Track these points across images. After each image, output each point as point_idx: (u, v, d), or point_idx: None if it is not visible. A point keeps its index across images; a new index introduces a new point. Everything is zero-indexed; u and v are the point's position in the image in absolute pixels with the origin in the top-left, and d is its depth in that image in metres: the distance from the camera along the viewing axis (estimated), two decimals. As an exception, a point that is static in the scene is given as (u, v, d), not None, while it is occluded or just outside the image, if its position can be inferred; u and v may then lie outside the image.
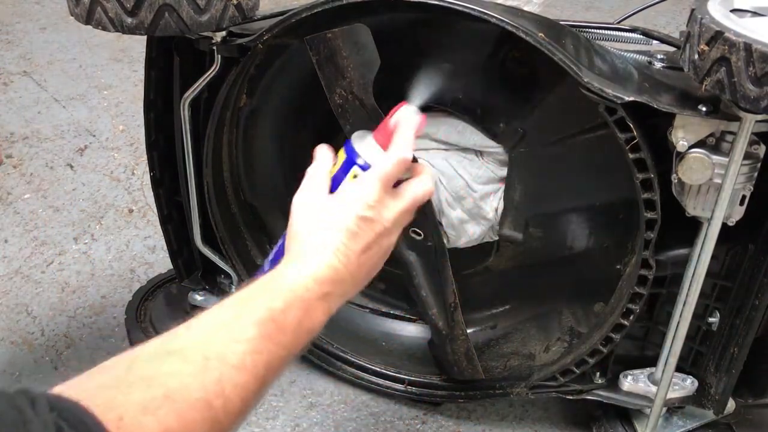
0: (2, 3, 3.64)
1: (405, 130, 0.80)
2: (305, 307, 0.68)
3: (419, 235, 1.30)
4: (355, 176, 0.80)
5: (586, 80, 1.06)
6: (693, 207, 1.14)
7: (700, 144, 1.08)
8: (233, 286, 1.57)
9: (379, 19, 1.16)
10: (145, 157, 1.50)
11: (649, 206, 1.13)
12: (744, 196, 1.11)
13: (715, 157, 1.07)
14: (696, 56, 0.99)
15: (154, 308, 1.69)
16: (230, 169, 1.48)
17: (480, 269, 1.56)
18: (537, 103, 1.31)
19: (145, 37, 1.28)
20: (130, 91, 2.81)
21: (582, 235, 1.43)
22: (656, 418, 1.34)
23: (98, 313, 1.76)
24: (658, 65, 1.22)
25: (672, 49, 1.28)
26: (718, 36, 0.94)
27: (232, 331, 0.62)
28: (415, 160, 0.84)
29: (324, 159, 0.83)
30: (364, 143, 0.82)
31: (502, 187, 1.39)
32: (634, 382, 1.35)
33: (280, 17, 1.18)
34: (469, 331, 1.42)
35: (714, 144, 1.08)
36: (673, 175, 1.11)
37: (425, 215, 1.24)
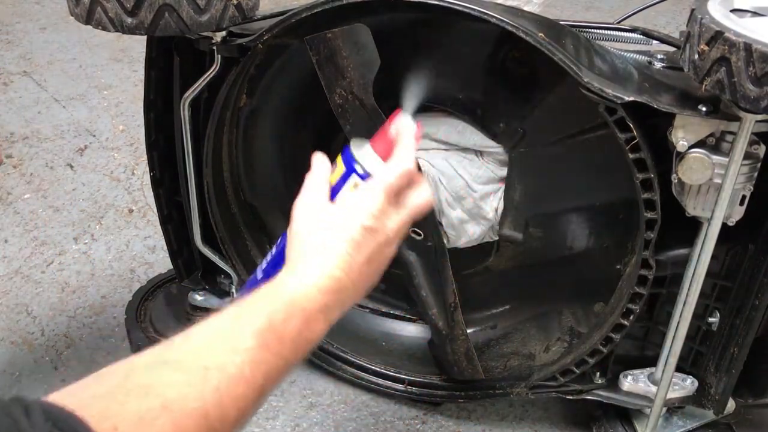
0: (2, 3, 3.64)
1: (406, 140, 0.80)
2: (306, 318, 0.67)
3: (419, 235, 1.30)
4: (355, 185, 0.80)
5: (586, 80, 1.06)
6: (693, 207, 1.14)
7: (700, 144, 1.08)
8: (233, 286, 1.57)
9: (379, 19, 1.16)
10: (145, 157, 1.50)
11: (649, 206, 1.13)
12: (744, 196, 1.11)
13: (715, 157, 1.07)
14: (696, 56, 0.99)
15: (154, 308, 1.69)
16: (230, 169, 1.48)
17: (480, 269, 1.56)
18: (537, 103, 1.31)
19: (145, 37, 1.28)
20: (130, 91, 2.81)
21: (582, 235, 1.43)
22: (656, 418, 1.34)
23: (98, 313, 1.76)
24: (658, 65, 1.22)
25: (672, 49, 1.28)
26: (718, 36, 0.94)
27: (231, 341, 0.61)
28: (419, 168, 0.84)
29: (322, 167, 0.82)
30: (363, 152, 0.81)
31: (502, 187, 1.39)
32: (634, 382, 1.35)
33: (280, 17, 1.18)
34: (469, 331, 1.42)
35: (714, 144, 1.08)
36: (673, 175, 1.11)
37: (425, 215, 1.24)
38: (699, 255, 1.16)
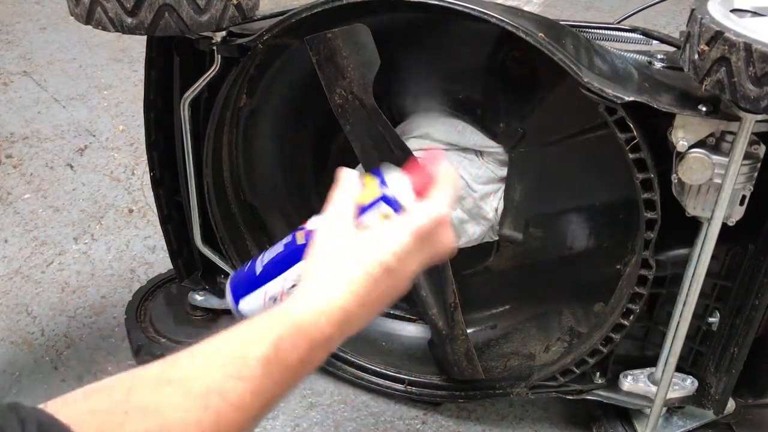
0: (2, 3, 3.64)
1: (447, 185, 0.79)
2: (311, 347, 0.67)
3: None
4: (385, 216, 0.78)
5: (586, 80, 1.06)
6: (693, 207, 1.14)
7: (700, 144, 1.08)
8: (232, 286, 1.57)
9: (379, 19, 1.16)
10: (145, 157, 1.50)
11: (649, 206, 1.13)
12: (744, 196, 1.11)
13: (715, 157, 1.07)
14: (696, 56, 0.99)
15: (154, 308, 1.69)
16: (230, 169, 1.48)
17: (480, 269, 1.56)
18: (537, 103, 1.31)
19: (145, 37, 1.28)
20: (130, 91, 2.81)
21: (582, 235, 1.43)
22: (656, 418, 1.34)
23: (98, 313, 1.76)
24: (658, 65, 1.22)
25: (672, 49, 1.28)
26: (718, 36, 0.94)
27: (236, 366, 0.61)
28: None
29: (350, 185, 0.80)
30: (399, 183, 0.80)
31: (502, 187, 1.39)
32: (634, 382, 1.35)
33: (280, 17, 1.18)
34: (469, 331, 1.42)
35: (714, 144, 1.08)
36: (673, 175, 1.11)
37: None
38: (699, 255, 1.16)
